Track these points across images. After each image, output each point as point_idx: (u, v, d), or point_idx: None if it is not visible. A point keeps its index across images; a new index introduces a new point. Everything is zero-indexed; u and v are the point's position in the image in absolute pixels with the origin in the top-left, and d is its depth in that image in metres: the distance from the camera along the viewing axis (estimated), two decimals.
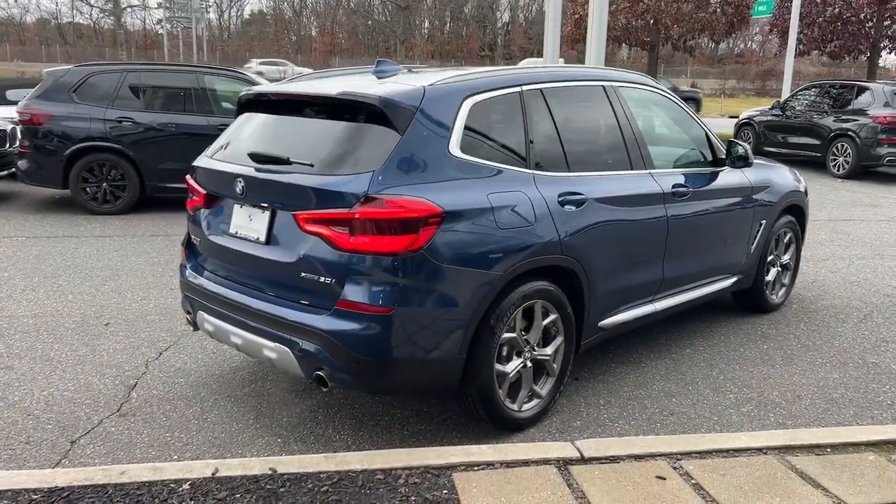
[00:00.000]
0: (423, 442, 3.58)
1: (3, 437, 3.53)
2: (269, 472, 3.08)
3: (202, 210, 3.89)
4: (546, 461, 3.18)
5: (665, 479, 3.07)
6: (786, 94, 19.25)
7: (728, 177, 5.02)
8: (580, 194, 3.83)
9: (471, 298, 3.31)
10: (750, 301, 5.60)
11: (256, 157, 3.53)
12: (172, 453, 3.44)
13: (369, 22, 75.89)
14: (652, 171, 4.39)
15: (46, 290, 5.86)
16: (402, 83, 3.54)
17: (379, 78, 3.77)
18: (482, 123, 3.58)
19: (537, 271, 3.61)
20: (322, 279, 3.24)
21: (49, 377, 4.22)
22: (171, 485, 2.98)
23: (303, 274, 3.29)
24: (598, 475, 3.09)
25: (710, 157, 4.98)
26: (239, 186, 3.52)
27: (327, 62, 66.58)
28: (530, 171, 3.69)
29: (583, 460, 3.21)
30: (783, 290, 5.85)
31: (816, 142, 14.83)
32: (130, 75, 9.12)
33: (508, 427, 3.65)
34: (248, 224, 3.58)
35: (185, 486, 2.96)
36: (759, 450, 3.40)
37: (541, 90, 3.92)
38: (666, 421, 3.87)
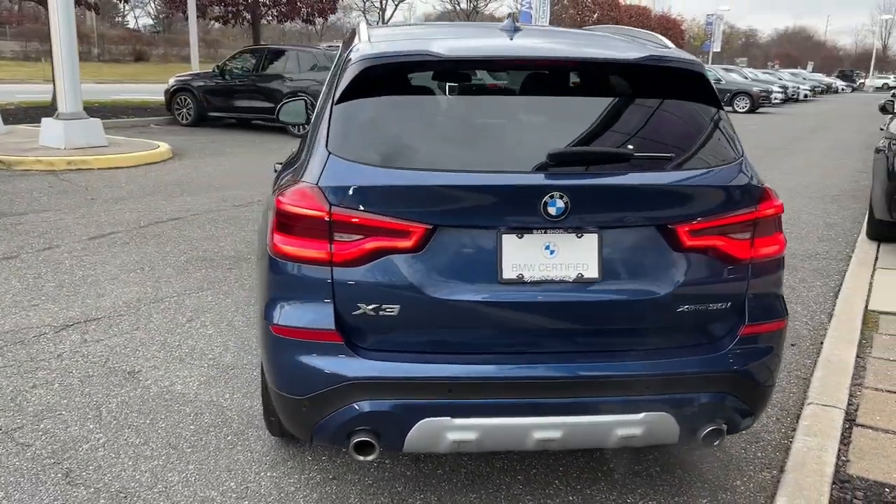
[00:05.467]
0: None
1: None
2: None
3: (401, 257, 2.44)
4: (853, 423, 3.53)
5: None
6: (194, 60, 20.39)
7: None
8: None
9: None
10: None
11: (567, 158, 2.52)
12: None
13: None
14: None
15: None
16: (658, 42, 3.07)
17: (512, 34, 3.00)
18: None
19: None
20: (714, 306, 2.58)
21: None
22: None
23: (683, 308, 2.54)
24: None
25: None
26: (556, 205, 2.41)
27: None
28: None
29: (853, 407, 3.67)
30: None
31: (270, 104, 14.61)
32: None
33: None
34: (547, 260, 2.49)
35: None
36: None
37: None
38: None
